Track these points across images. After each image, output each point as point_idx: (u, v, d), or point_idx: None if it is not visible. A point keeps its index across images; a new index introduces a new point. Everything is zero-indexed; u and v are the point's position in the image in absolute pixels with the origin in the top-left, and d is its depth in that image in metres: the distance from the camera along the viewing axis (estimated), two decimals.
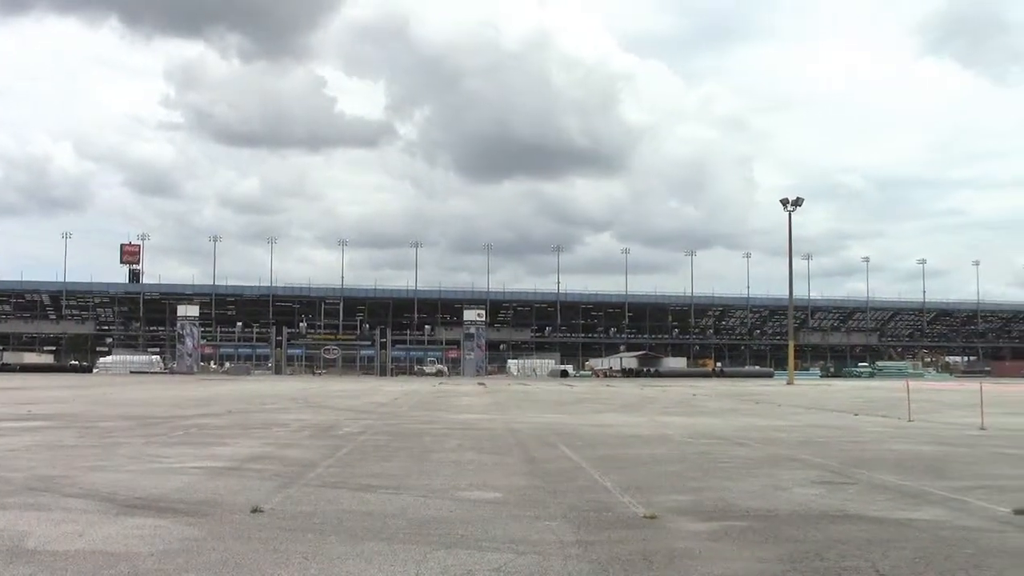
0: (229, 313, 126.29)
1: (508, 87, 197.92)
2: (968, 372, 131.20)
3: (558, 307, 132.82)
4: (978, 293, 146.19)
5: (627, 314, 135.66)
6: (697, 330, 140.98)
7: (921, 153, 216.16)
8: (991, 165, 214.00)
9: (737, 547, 7.83)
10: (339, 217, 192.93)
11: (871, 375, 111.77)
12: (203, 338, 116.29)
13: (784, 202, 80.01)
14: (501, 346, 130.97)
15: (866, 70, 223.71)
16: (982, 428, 21.99)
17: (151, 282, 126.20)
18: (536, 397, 43.63)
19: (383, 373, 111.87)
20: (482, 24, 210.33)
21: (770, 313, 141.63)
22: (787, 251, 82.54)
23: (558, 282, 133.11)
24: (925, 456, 15.69)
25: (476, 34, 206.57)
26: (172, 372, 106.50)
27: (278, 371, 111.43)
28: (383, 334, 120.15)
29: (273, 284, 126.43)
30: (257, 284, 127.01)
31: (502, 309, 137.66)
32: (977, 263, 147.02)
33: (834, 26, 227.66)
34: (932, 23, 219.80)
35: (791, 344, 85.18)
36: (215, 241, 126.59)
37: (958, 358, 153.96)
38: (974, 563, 7.20)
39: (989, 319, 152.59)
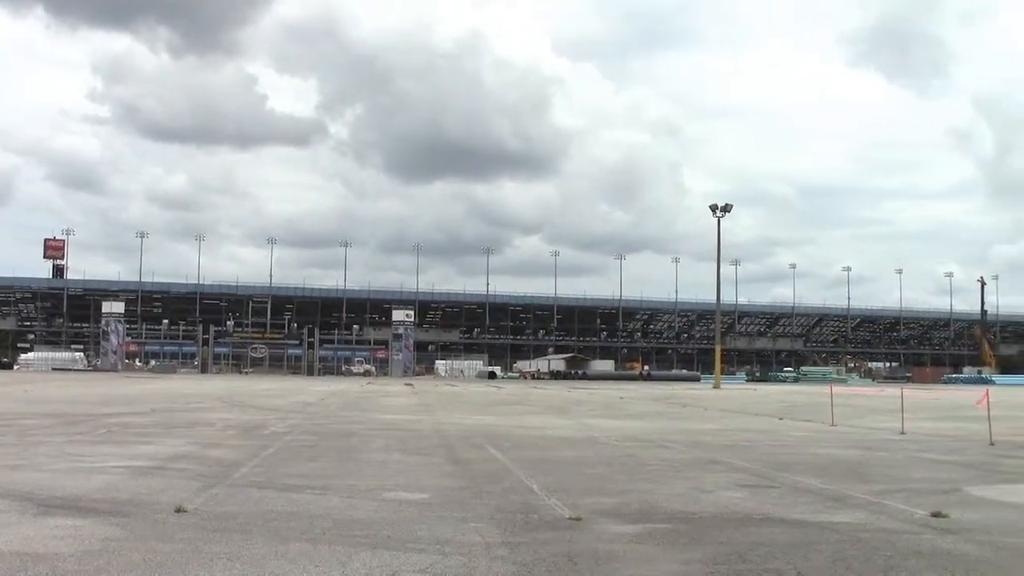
0: (155, 310, 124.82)
1: (440, 88, 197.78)
2: (890, 378, 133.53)
3: (487, 308, 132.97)
4: (901, 301, 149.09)
5: (556, 316, 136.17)
6: (625, 333, 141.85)
7: (847, 163, 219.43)
8: (914, 176, 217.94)
9: (661, 549, 7.92)
10: (268, 215, 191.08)
11: (796, 380, 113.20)
12: (128, 335, 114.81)
13: (713, 208, 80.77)
14: (429, 347, 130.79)
15: (795, 79, 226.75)
16: (902, 433, 22.38)
17: (75, 278, 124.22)
18: (464, 398, 43.64)
19: (311, 372, 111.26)
20: (415, 24, 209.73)
21: (698, 317, 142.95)
22: (715, 256, 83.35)
23: (487, 284, 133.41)
24: (847, 460, 15.95)
25: (409, 34, 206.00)
26: (96, 370, 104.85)
27: (204, 370, 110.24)
28: (311, 333, 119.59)
29: (200, 282, 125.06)
30: (184, 281, 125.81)
31: (431, 310, 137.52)
32: (900, 271, 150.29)
33: (764, 35, 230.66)
34: (858, 35, 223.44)
35: (718, 348, 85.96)
36: (141, 237, 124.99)
37: (881, 364, 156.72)
38: (892, 565, 7.35)
39: (911, 326, 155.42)
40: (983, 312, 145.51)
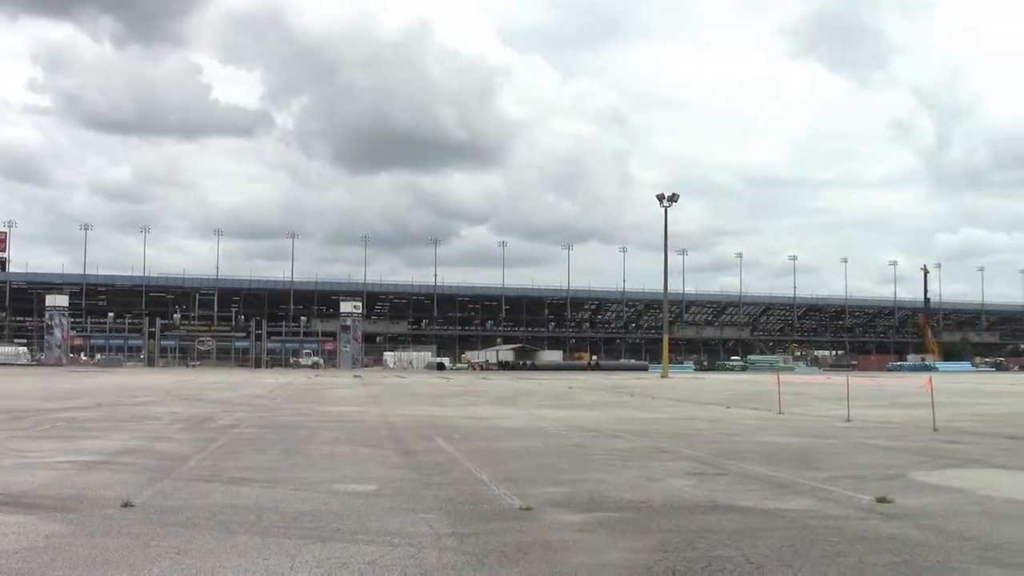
0: (100, 303, 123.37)
1: (386, 78, 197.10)
2: (835, 366, 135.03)
3: (435, 299, 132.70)
4: (846, 289, 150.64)
5: (504, 307, 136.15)
6: (573, 323, 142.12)
7: (791, 153, 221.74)
8: (857, 166, 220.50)
9: (611, 538, 7.96)
10: (214, 207, 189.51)
11: (743, 368, 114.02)
12: (73, 329, 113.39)
13: (660, 198, 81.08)
14: (377, 338, 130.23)
15: (739, 70, 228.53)
16: (848, 420, 22.63)
17: (18, 271, 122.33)
18: (412, 390, 43.59)
19: (258, 365, 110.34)
20: (360, 14, 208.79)
21: (645, 307, 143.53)
22: (663, 246, 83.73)
23: (435, 274, 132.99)
24: (794, 447, 16.11)
25: (354, 24, 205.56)
26: (40, 364, 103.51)
27: (151, 363, 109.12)
28: (258, 325, 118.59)
29: (146, 274, 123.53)
30: (130, 274, 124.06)
31: (379, 301, 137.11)
32: (845, 260, 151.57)
33: (709, 27, 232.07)
34: (801, 27, 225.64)
35: (666, 338, 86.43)
36: (86, 230, 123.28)
37: (827, 352, 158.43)
38: (838, 550, 7.44)
39: (856, 314, 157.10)
40: (926, 300, 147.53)
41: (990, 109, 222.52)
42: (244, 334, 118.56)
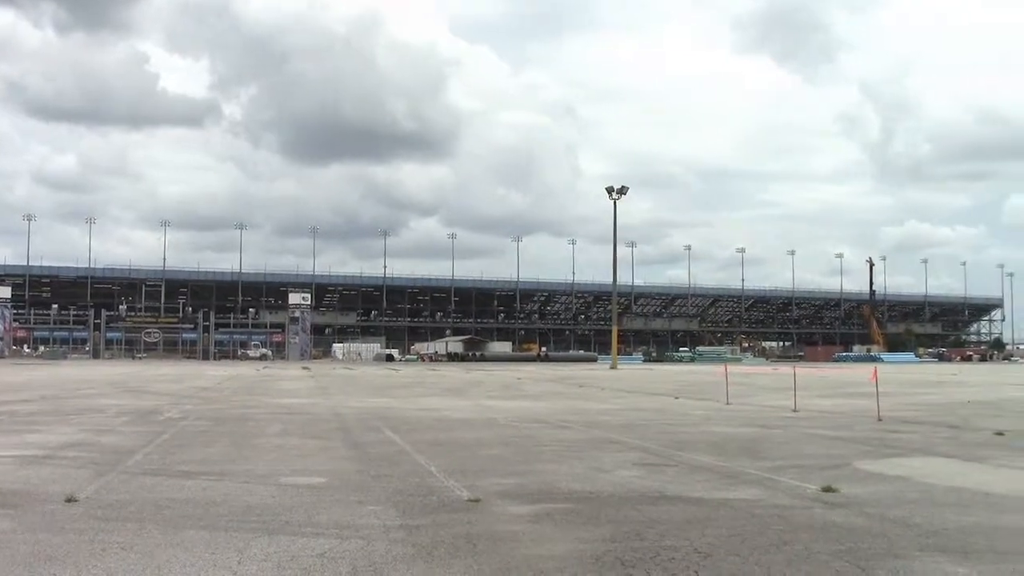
0: (44, 295, 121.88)
1: (336, 69, 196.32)
2: (783, 357, 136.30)
3: (384, 291, 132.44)
4: (793, 281, 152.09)
5: (453, 299, 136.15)
6: (523, 315, 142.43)
7: (740, 146, 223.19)
8: (804, 160, 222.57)
9: (559, 529, 7.98)
10: (161, 197, 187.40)
11: (692, 360, 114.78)
12: (15, 321, 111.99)
13: (609, 190, 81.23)
14: (326, 330, 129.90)
15: (688, 63, 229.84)
16: (794, 410, 22.85)
17: None
18: (361, 381, 43.45)
19: (206, 357, 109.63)
20: (310, 4, 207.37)
21: (594, 299, 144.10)
22: (612, 238, 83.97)
23: (384, 266, 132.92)
24: (741, 438, 16.24)
25: (304, 14, 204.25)
26: None
27: (96, 355, 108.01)
28: (206, 317, 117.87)
29: (91, 265, 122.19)
30: (74, 265, 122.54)
31: (328, 293, 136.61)
32: (792, 253, 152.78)
33: (660, 20, 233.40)
34: (750, 21, 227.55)
35: (615, 329, 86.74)
36: (29, 220, 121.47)
37: (774, 343, 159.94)
38: (784, 539, 7.52)
39: (803, 306, 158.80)
40: (872, 292, 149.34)
41: (933, 104, 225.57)
42: (192, 326, 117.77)
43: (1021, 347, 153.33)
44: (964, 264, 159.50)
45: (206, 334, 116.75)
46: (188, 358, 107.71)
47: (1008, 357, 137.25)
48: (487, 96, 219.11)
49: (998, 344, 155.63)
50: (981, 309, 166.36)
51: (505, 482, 10.57)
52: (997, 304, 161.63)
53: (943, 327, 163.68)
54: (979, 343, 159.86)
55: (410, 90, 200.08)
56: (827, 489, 9.95)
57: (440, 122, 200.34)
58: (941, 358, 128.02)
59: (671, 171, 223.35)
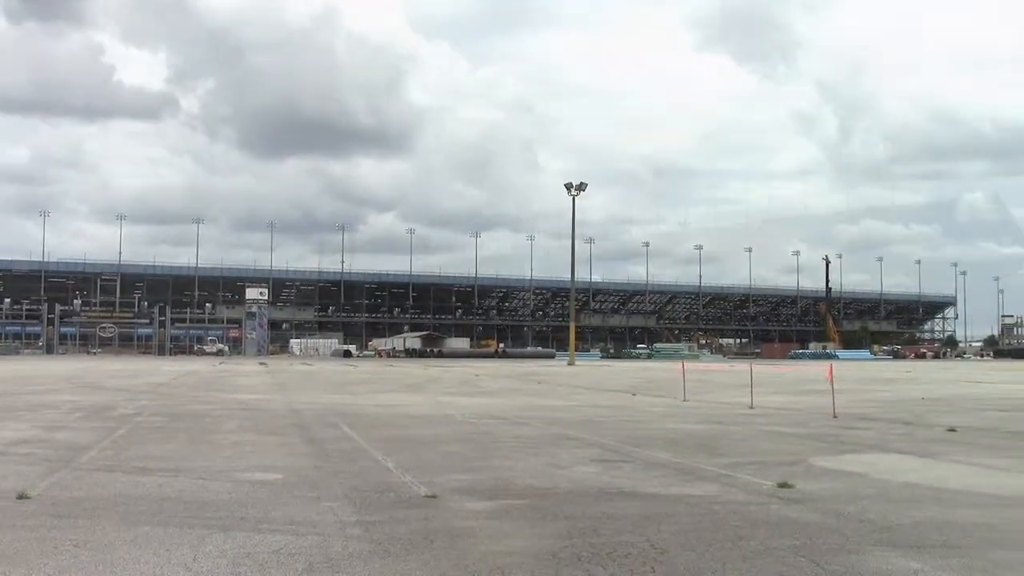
0: None
1: (294, 63, 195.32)
2: (740, 354, 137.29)
3: (342, 286, 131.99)
4: (750, 278, 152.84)
5: (411, 294, 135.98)
6: (481, 311, 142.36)
7: (698, 143, 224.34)
8: (762, 157, 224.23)
9: (516, 525, 7.99)
10: (116, 191, 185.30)
11: (649, 356, 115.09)
12: None
13: (568, 186, 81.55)
14: (284, 325, 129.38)
15: (648, 61, 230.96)
16: (751, 407, 22.98)
17: None
18: (319, 377, 43.30)
19: (162, 352, 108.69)
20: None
21: (553, 295, 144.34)
22: (570, 234, 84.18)
23: (342, 261, 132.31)
24: (698, 434, 16.32)
25: (262, 8, 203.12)
26: None
27: (50, 351, 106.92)
28: (162, 312, 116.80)
29: (45, 259, 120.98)
30: (27, 259, 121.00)
31: (285, 288, 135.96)
32: (750, 250, 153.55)
33: (619, 17, 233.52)
34: (709, 19, 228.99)
35: (572, 326, 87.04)
36: None
37: (731, 340, 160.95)
38: (741, 535, 7.57)
39: (760, 303, 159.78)
40: (828, 289, 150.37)
41: (889, 104, 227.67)
42: (147, 321, 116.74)
43: (974, 344, 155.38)
44: (919, 262, 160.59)
45: (162, 329, 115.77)
46: (143, 353, 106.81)
47: (961, 354, 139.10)
48: (446, 92, 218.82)
49: (951, 341, 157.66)
50: (935, 307, 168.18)
51: (462, 478, 10.56)
52: (950, 302, 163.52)
53: (898, 325, 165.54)
54: (933, 340, 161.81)
55: (368, 85, 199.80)
56: (783, 485, 10.02)
57: (399, 117, 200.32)
58: (896, 355, 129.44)
59: (630, 167, 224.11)
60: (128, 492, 9.39)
